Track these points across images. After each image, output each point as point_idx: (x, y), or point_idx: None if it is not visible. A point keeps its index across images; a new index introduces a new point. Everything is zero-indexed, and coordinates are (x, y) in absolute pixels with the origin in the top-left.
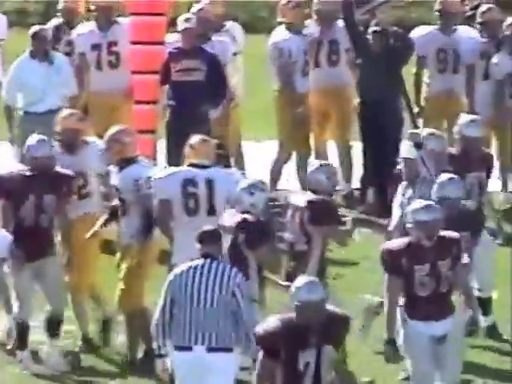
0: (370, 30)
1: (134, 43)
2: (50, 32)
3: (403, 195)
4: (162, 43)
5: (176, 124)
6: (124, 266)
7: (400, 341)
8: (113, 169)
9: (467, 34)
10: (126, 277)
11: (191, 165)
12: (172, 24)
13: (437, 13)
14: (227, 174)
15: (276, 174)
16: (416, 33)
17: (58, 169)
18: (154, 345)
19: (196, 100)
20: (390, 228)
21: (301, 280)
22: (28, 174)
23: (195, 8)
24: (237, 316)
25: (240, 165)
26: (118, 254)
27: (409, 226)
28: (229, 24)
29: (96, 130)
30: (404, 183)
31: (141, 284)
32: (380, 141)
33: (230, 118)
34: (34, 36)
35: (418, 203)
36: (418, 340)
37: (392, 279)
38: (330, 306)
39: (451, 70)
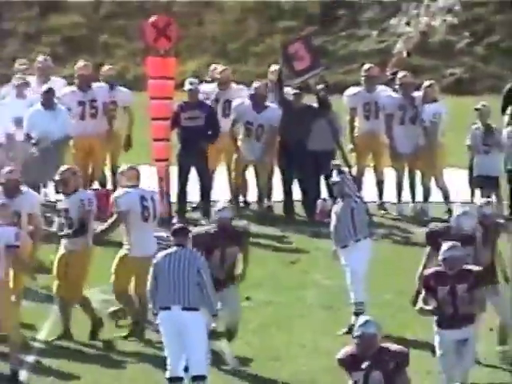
0: (292, 92)
1: (152, 98)
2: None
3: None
4: (171, 98)
5: (183, 155)
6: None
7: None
8: (61, 196)
9: (385, 92)
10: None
11: (132, 186)
12: (180, 85)
13: (363, 77)
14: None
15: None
16: (348, 91)
17: None
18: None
19: (198, 139)
20: None
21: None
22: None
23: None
24: (201, 286)
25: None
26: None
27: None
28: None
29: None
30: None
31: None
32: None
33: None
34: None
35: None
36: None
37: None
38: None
39: (374, 117)
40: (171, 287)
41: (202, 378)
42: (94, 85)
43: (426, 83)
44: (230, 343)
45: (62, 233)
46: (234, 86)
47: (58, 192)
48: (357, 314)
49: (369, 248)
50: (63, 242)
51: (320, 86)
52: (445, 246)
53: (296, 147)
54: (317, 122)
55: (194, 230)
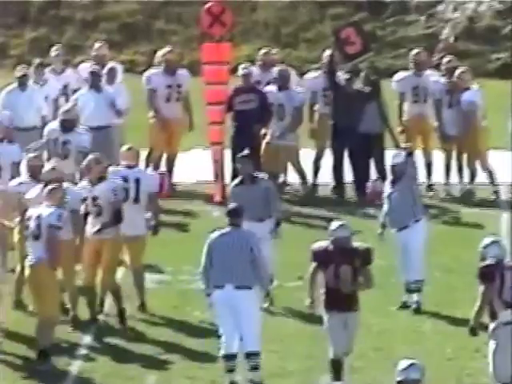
0: (343, 77)
1: (207, 83)
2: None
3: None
4: (226, 83)
5: (237, 138)
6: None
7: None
8: (87, 184)
9: (433, 77)
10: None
11: (128, 166)
12: (234, 70)
13: (411, 62)
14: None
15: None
16: (397, 76)
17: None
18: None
19: (251, 122)
20: None
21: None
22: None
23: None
24: (255, 264)
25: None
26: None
27: None
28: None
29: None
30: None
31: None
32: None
33: None
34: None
35: None
36: None
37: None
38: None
39: (422, 101)
40: (225, 266)
41: (256, 354)
42: (179, 70)
43: (458, 71)
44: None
45: (99, 223)
46: (275, 69)
47: (81, 179)
48: (413, 291)
49: (426, 227)
50: (92, 230)
51: (369, 71)
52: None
53: (348, 130)
54: (368, 106)
55: (314, 245)
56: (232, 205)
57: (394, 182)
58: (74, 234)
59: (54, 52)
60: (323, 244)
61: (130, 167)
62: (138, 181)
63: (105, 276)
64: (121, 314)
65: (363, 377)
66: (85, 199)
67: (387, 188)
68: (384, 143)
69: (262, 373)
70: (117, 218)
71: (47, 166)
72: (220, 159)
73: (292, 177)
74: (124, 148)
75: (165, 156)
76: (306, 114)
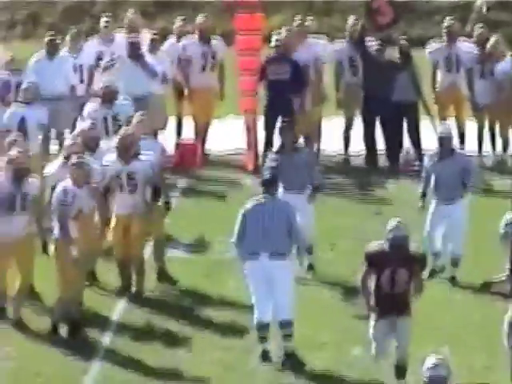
0: (375, 46)
1: (240, 53)
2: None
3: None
4: (259, 53)
5: (270, 108)
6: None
7: None
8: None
9: (465, 47)
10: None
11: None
12: (267, 39)
13: (444, 32)
14: (151, 143)
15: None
16: (431, 46)
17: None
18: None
19: (284, 92)
20: None
21: None
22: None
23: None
24: (290, 233)
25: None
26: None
27: None
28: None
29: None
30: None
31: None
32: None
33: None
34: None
35: None
36: None
37: None
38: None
39: (455, 71)
40: (259, 235)
41: (289, 323)
42: (213, 40)
43: (492, 41)
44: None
45: (133, 200)
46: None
47: (121, 158)
48: (453, 265)
49: (469, 202)
50: (119, 205)
51: (402, 41)
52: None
53: (379, 100)
54: (399, 75)
55: (369, 246)
56: (267, 174)
57: (441, 154)
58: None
59: (103, 23)
60: (378, 246)
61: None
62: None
63: (135, 251)
64: (139, 288)
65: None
66: (117, 176)
67: (432, 158)
68: (418, 113)
69: (294, 343)
70: (158, 193)
71: (67, 141)
72: (253, 128)
73: (324, 145)
74: (136, 118)
75: (198, 125)
76: (333, 84)
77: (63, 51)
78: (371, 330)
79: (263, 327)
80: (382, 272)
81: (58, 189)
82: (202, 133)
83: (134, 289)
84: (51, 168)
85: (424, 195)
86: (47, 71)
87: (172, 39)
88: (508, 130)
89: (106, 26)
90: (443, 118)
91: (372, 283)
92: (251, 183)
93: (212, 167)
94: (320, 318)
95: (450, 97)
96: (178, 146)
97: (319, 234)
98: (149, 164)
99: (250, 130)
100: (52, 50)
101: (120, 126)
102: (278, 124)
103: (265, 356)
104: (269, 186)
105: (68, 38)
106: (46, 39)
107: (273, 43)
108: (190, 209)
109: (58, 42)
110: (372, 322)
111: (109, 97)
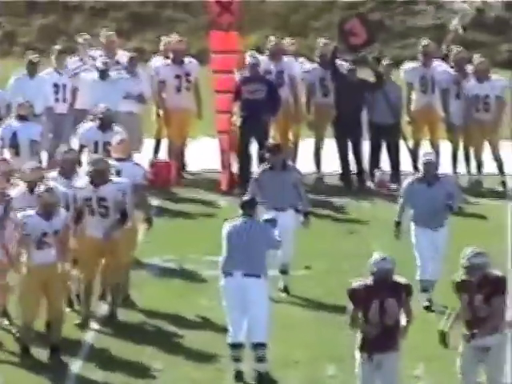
0: (346, 67)
1: (215, 72)
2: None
3: None
4: (234, 72)
5: (245, 128)
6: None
7: None
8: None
9: (441, 67)
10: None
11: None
12: (242, 58)
13: (420, 53)
14: (132, 166)
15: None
16: (406, 66)
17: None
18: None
19: (259, 111)
20: None
21: None
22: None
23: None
24: (270, 247)
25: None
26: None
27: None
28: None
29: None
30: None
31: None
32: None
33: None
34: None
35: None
36: None
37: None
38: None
39: (430, 92)
40: (236, 254)
41: (263, 345)
42: (186, 59)
43: (478, 61)
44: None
45: (104, 224)
46: (285, 58)
47: (92, 183)
48: (426, 290)
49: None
50: (94, 227)
51: (386, 60)
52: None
53: (351, 120)
54: (377, 96)
55: (352, 284)
56: (247, 196)
57: (426, 180)
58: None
59: (81, 40)
60: (361, 282)
61: (120, 160)
62: (118, 172)
63: (111, 276)
64: (113, 313)
65: None
66: (87, 199)
67: (412, 184)
68: (399, 134)
69: (267, 364)
70: (125, 216)
71: (27, 166)
72: (227, 148)
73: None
74: (115, 140)
75: (174, 145)
76: (304, 106)
77: (47, 71)
78: (358, 368)
79: (237, 347)
80: (370, 306)
81: (23, 218)
82: (177, 153)
83: (107, 312)
84: (14, 193)
85: (399, 224)
86: (27, 91)
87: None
88: (482, 151)
89: (83, 45)
90: (418, 139)
91: (360, 322)
92: (225, 203)
93: (186, 186)
94: (293, 337)
95: (425, 118)
96: (152, 164)
97: (293, 254)
98: (119, 188)
99: (225, 151)
100: (32, 69)
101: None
102: (253, 144)
103: (238, 376)
104: (247, 207)
105: (53, 56)
106: (27, 58)
107: (248, 61)
108: (163, 228)
109: (38, 61)
110: (358, 360)
111: (107, 121)
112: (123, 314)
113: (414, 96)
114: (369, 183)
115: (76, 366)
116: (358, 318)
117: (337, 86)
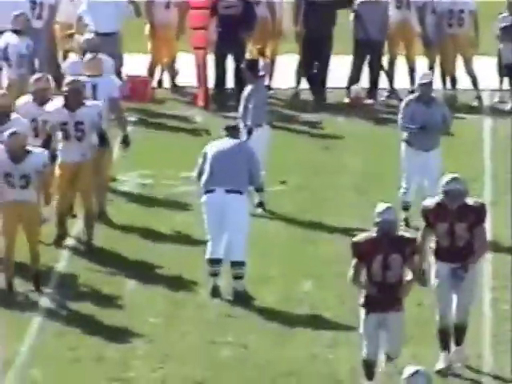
0: None
1: None
2: None
3: None
4: None
5: (220, 43)
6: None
7: None
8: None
9: None
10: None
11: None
12: None
13: None
14: (107, 81)
15: None
16: None
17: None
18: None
19: (234, 27)
20: None
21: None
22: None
23: None
24: (250, 172)
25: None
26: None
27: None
28: None
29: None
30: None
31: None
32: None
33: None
34: None
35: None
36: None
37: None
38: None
39: (405, 7)
40: (218, 172)
41: (241, 263)
42: None
43: None
44: None
45: (81, 148)
46: None
47: (66, 106)
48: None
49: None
50: (66, 154)
51: None
52: (446, 178)
53: (318, 38)
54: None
55: (355, 238)
56: (230, 122)
57: (423, 101)
58: None
59: None
60: (364, 235)
61: (94, 76)
62: (94, 87)
63: (86, 201)
64: (90, 239)
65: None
66: (63, 124)
67: (413, 105)
68: (382, 51)
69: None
70: (104, 140)
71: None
72: (203, 64)
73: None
74: (87, 58)
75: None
76: (291, 18)
77: None
78: (361, 326)
79: (215, 262)
80: (373, 260)
81: None
82: (167, 68)
83: (84, 238)
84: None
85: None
86: None
87: None
88: (455, 66)
89: None
90: (393, 55)
91: (362, 277)
92: (201, 119)
93: (162, 103)
94: (268, 253)
95: (401, 34)
96: (128, 79)
97: (268, 169)
98: (96, 110)
99: (201, 67)
100: None
101: None
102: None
103: (215, 291)
104: (232, 130)
105: None
106: None
107: None
108: (139, 144)
109: None
110: (362, 317)
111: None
112: (99, 230)
113: (389, 12)
114: (345, 99)
115: (47, 294)
116: (360, 273)
117: (304, 4)
